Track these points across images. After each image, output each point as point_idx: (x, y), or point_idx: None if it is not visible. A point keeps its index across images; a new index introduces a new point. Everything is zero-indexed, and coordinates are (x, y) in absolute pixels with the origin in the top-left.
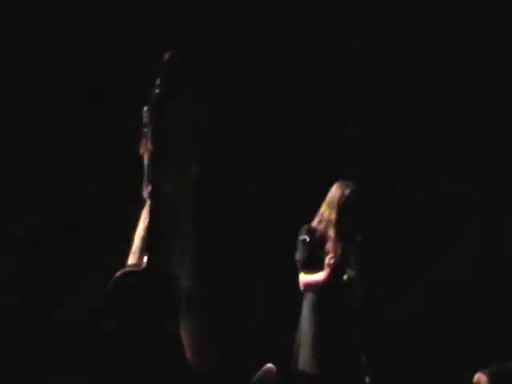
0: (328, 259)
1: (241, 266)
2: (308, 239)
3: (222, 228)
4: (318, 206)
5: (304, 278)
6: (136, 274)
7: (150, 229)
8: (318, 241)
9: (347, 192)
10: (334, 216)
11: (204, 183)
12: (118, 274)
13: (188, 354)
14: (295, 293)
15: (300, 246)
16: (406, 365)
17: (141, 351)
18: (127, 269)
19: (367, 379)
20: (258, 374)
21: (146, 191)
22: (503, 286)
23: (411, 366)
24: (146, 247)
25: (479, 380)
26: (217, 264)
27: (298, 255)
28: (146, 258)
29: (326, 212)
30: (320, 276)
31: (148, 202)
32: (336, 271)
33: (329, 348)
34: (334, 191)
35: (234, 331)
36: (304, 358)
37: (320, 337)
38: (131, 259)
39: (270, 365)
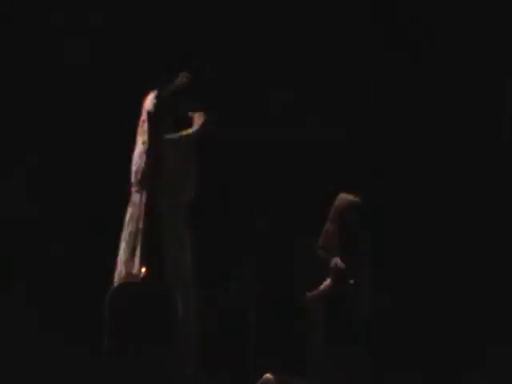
0: (332, 264)
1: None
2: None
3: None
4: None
5: (311, 295)
6: (134, 285)
7: (145, 240)
8: (325, 256)
9: (348, 203)
10: (336, 228)
11: (201, 193)
12: (116, 285)
13: (188, 362)
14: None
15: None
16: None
17: (140, 362)
18: (125, 281)
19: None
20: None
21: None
22: None
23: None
24: (142, 258)
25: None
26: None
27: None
28: (143, 270)
29: (330, 227)
30: (326, 283)
31: (131, 202)
32: (341, 275)
33: (338, 358)
34: (336, 205)
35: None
36: (315, 367)
37: (330, 346)
38: (122, 267)
39: (268, 375)
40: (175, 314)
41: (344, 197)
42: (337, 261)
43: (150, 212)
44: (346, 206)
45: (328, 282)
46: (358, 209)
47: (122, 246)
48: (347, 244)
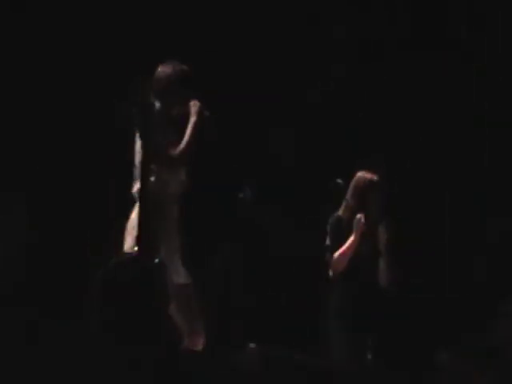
0: (357, 220)
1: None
2: (338, 219)
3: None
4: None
5: (334, 256)
6: (128, 261)
7: (139, 222)
8: (345, 228)
9: (369, 180)
10: (357, 203)
11: (191, 183)
12: (112, 261)
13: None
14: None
15: (330, 232)
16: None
17: (134, 331)
18: (120, 257)
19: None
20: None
21: (135, 189)
22: None
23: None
24: (136, 239)
25: (441, 362)
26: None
27: (328, 241)
28: (136, 248)
29: (350, 200)
30: (349, 240)
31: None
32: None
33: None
34: (357, 180)
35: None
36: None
37: (345, 323)
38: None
39: (251, 345)
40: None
41: (366, 174)
42: (361, 217)
43: (144, 204)
44: (367, 185)
45: (352, 238)
46: (378, 188)
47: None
48: (369, 222)
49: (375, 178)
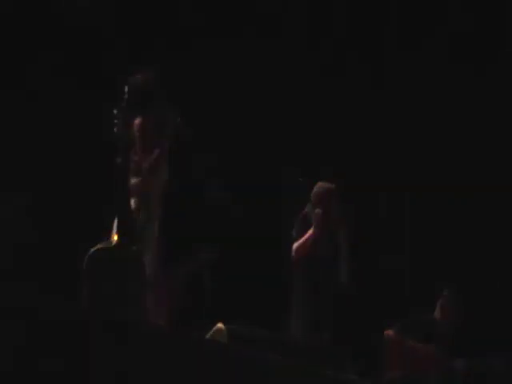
0: (315, 213)
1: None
2: (304, 215)
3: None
4: None
5: (297, 243)
6: (107, 249)
7: (120, 214)
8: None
9: (328, 188)
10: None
11: (173, 183)
12: (93, 249)
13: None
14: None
15: (296, 224)
16: None
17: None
18: (100, 245)
19: None
20: (209, 333)
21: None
22: None
23: None
24: (116, 230)
25: (388, 336)
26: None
27: (294, 232)
28: (115, 238)
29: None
30: (309, 231)
31: None
32: (321, 221)
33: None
34: (318, 188)
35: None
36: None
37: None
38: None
39: (219, 325)
40: (144, 274)
41: (322, 184)
42: (319, 211)
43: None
44: (326, 192)
45: (311, 230)
46: (336, 196)
47: None
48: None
49: (333, 186)
